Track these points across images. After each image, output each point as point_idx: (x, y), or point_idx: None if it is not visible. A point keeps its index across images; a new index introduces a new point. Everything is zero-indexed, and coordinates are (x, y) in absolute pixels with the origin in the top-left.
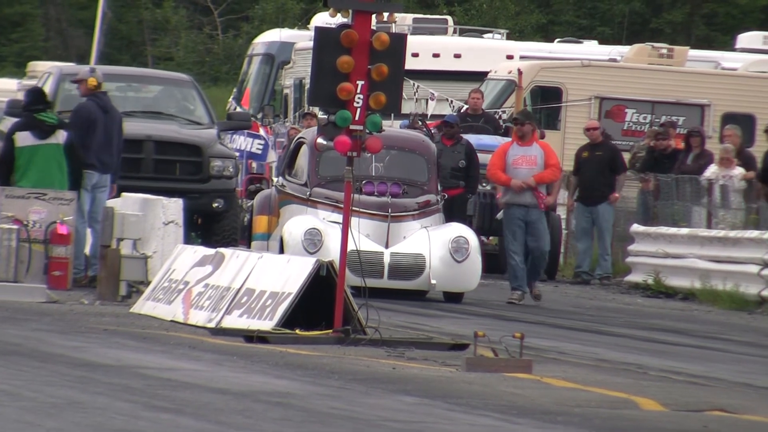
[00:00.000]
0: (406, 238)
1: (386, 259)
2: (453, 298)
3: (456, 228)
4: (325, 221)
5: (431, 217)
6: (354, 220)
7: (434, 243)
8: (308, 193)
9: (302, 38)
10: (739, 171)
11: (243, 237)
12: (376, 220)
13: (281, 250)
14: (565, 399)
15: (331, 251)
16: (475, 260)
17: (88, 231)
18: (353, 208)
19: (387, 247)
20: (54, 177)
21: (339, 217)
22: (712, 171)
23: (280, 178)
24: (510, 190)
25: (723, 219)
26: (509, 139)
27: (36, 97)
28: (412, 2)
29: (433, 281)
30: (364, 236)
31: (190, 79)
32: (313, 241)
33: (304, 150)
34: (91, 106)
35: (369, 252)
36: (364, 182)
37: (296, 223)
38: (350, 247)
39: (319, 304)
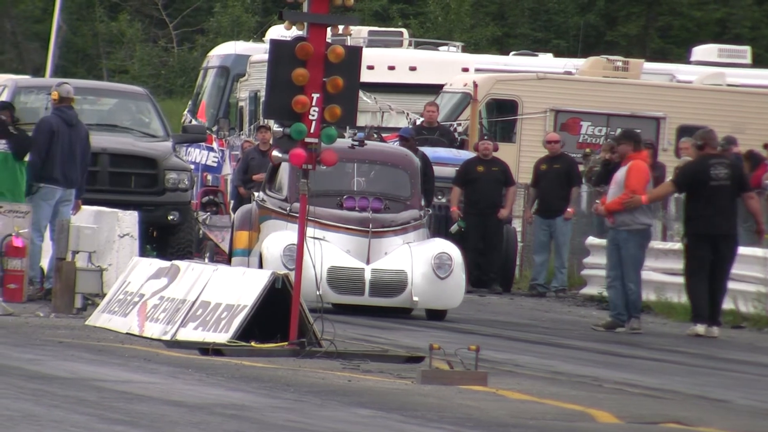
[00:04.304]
0: (388, 254)
1: (367, 276)
2: (436, 315)
3: (439, 244)
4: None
5: (414, 233)
6: (335, 236)
7: (416, 259)
8: (288, 209)
9: (257, 51)
10: None
11: (197, 249)
12: (357, 236)
13: (261, 266)
14: (520, 411)
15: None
16: (459, 277)
17: (49, 244)
18: (335, 224)
19: (368, 263)
20: None
21: (320, 233)
22: None
23: (261, 193)
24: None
25: (678, 231)
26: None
27: None
28: (367, 15)
29: (416, 298)
30: (345, 252)
31: (145, 91)
32: (292, 257)
33: (285, 165)
34: (54, 119)
35: (349, 268)
36: (345, 197)
37: (275, 240)
38: (333, 263)
39: (275, 317)
